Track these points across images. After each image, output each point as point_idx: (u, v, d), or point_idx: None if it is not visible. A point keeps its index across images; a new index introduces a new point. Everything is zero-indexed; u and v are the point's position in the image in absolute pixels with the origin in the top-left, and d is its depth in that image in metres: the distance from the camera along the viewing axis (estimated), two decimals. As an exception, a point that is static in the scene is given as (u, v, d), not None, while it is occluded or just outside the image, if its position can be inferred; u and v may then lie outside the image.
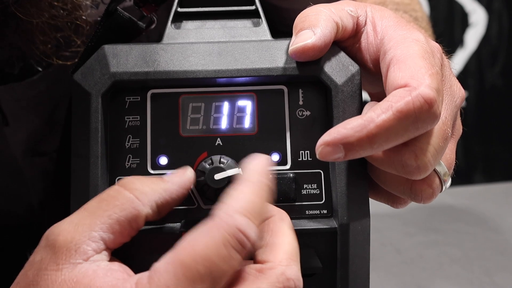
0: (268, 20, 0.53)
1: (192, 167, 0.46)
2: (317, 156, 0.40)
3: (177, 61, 0.46)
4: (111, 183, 0.46)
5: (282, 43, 0.47)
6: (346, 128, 0.39)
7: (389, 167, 0.42)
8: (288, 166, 0.47)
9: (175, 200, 0.42)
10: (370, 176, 0.46)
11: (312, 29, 0.44)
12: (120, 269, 0.39)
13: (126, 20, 0.50)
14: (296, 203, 0.46)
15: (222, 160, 0.45)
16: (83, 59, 0.48)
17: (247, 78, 0.46)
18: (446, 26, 1.83)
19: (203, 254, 0.35)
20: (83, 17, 0.53)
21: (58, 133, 0.60)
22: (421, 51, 0.42)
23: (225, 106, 0.47)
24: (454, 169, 0.46)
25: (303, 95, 0.47)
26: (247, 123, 0.47)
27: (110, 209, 0.39)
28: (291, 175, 0.46)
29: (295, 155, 0.47)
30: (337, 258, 0.45)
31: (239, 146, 0.47)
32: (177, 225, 0.45)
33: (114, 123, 0.47)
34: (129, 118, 0.47)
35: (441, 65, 0.44)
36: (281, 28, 0.60)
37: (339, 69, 0.46)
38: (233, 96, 0.47)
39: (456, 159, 0.47)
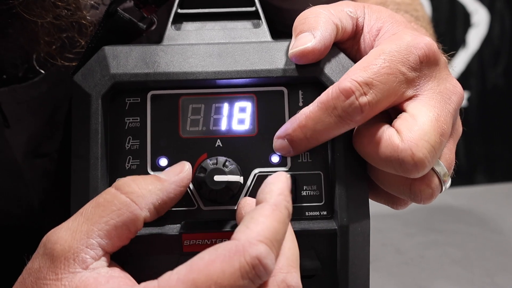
0: (269, 20, 0.53)
1: (192, 168, 0.46)
2: (274, 150, 0.46)
3: (177, 63, 0.46)
4: (111, 184, 0.46)
5: (282, 45, 0.47)
6: (287, 123, 0.45)
7: (387, 166, 0.42)
8: (287, 167, 0.47)
9: (173, 199, 0.42)
10: (369, 177, 0.46)
11: (312, 32, 0.44)
12: (121, 276, 0.38)
13: (127, 21, 0.50)
14: (296, 204, 0.46)
15: (226, 163, 0.45)
16: (83, 61, 0.48)
17: (247, 79, 0.46)
18: (448, 26, 1.83)
19: (219, 281, 0.34)
20: (87, 17, 0.53)
21: (59, 134, 0.60)
22: (388, 48, 0.44)
23: (225, 107, 0.47)
24: (454, 169, 0.46)
25: (303, 96, 0.47)
26: (247, 124, 0.47)
27: (107, 215, 0.39)
28: (291, 176, 0.46)
29: (295, 156, 0.47)
30: (337, 259, 0.45)
31: (239, 147, 0.47)
32: (177, 226, 0.45)
33: (114, 125, 0.47)
34: (129, 119, 0.47)
35: (422, 63, 0.44)
36: (282, 28, 0.60)
37: (339, 70, 0.46)
38: (233, 98, 0.47)
39: (456, 159, 0.46)
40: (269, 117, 0.47)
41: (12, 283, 0.40)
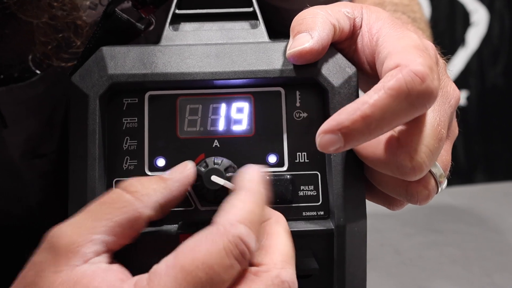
0: (267, 20, 0.53)
1: None
2: (318, 147, 0.40)
3: (175, 63, 0.46)
4: (109, 184, 0.46)
5: (279, 45, 0.47)
6: (341, 114, 0.39)
7: (385, 169, 0.42)
8: (285, 168, 0.47)
9: (177, 198, 0.42)
10: (366, 177, 0.46)
11: (310, 32, 0.45)
12: (119, 270, 0.39)
13: (124, 22, 0.51)
14: (293, 205, 0.46)
15: (216, 161, 0.45)
16: (81, 61, 0.48)
17: (245, 80, 0.46)
18: (448, 26, 1.83)
19: (205, 261, 0.35)
20: (83, 18, 0.54)
21: (57, 134, 0.60)
22: (413, 43, 0.42)
23: (223, 107, 0.47)
24: (450, 170, 0.46)
25: (300, 97, 0.47)
26: (244, 124, 0.47)
27: (111, 212, 0.39)
28: (288, 176, 0.46)
29: (292, 156, 0.47)
30: (334, 259, 0.45)
31: (236, 148, 0.47)
32: (175, 226, 0.45)
33: (112, 125, 0.47)
34: (127, 120, 0.47)
35: (436, 62, 0.44)
36: (280, 28, 0.60)
37: (336, 71, 0.46)
38: (230, 98, 0.47)
39: (455, 159, 0.47)
40: (266, 117, 0.47)
41: (11, 282, 0.40)
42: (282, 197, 0.46)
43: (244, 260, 0.36)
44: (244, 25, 0.51)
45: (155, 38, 0.55)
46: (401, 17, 0.66)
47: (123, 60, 0.46)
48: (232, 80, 0.46)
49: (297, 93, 0.47)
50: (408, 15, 0.69)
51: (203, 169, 0.44)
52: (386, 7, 0.71)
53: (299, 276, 0.40)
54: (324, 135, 0.39)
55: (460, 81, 1.83)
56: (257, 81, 0.47)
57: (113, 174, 0.46)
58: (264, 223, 0.41)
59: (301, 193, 0.47)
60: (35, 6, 0.49)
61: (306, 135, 0.47)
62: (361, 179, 0.46)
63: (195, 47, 0.47)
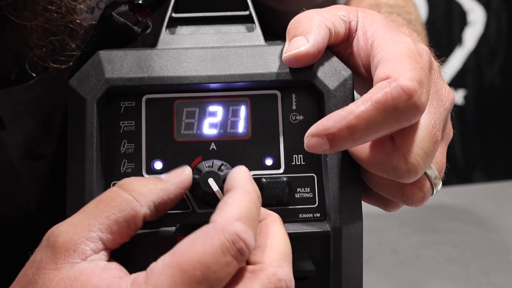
0: (263, 22, 0.53)
1: None
2: (305, 148, 0.41)
3: (172, 67, 0.47)
4: (107, 187, 0.46)
5: (275, 49, 0.48)
6: (328, 120, 0.40)
7: (380, 171, 0.42)
8: (281, 170, 0.47)
9: (172, 200, 0.43)
10: (362, 180, 0.46)
11: (305, 36, 0.45)
12: (117, 268, 0.39)
13: (121, 25, 0.51)
14: (290, 207, 0.47)
15: (222, 167, 0.45)
16: (78, 65, 0.49)
17: (241, 83, 0.47)
18: (445, 25, 1.84)
19: (201, 259, 0.35)
20: (78, 21, 0.54)
21: (55, 136, 0.61)
22: (406, 51, 0.42)
23: (219, 111, 0.47)
24: (445, 172, 0.46)
25: (296, 100, 0.48)
26: (241, 127, 0.47)
27: (108, 210, 0.40)
28: (285, 179, 0.47)
29: (288, 159, 0.47)
30: (330, 261, 0.46)
31: (233, 151, 0.47)
32: (172, 228, 0.46)
33: (109, 128, 0.47)
34: (124, 123, 0.47)
35: (429, 67, 0.44)
36: (276, 30, 0.61)
37: (332, 74, 0.47)
38: (227, 101, 0.48)
39: (450, 160, 0.47)
40: (262, 120, 0.47)
41: (10, 283, 0.40)
42: (278, 199, 0.46)
43: (242, 257, 0.37)
44: (240, 28, 0.52)
45: (152, 40, 0.55)
46: (396, 19, 0.67)
47: (120, 64, 0.47)
48: (228, 83, 0.47)
49: (293, 96, 0.48)
50: (404, 16, 0.69)
51: (197, 176, 0.45)
52: (381, 9, 0.71)
53: (296, 278, 0.40)
54: (311, 138, 0.41)
55: (457, 81, 1.84)
56: (253, 84, 0.47)
57: (111, 177, 0.47)
58: (261, 223, 0.41)
59: (297, 195, 0.47)
60: (30, 9, 0.50)
61: (302, 138, 0.47)
62: (357, 181, 0.46)
63: (191, 51, 0.48)
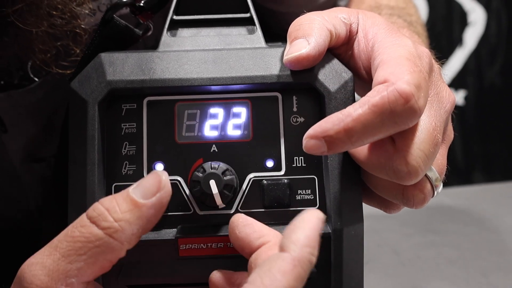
0: (264, 24, 0.53)
1: (188, 173, 0.46)
2: (304, 149, 0.41)
3: (173, 69, 0.47)
4: (108, 189, 0.47)
5: (276, 51, 0.48)
6: (326, 122, 0.40)
7: (381, 173, 0.43)
8: (282, 172, 0.47)
9: (153, 223, 0.40)
10: (363, 181, 0.47)
11: (306, 38, 0.45)
12: None
13: (123, 28, 0.51)
14: (290, 209, 0.47)
15: (213, 165, 0.45)
16: (80, 67, 0.49)
17: (242, 85, 0.47)
18: (445, 25, 1.84)
19: None
20: (82, 26, 0.54)
21: (56, 139, 0.61)
22: (406, 54, 0.42)
23: (220, 113, 0.48)
24: (445, 174, 0.47)
25: (297, 102, 0.48)
26: (242, 129, 0.48)
27: (85, 253, 0.37)
28: (286, 180, 0.47)
29: (289, 161, 0.47)
30: (331, 263, 0.46)
31: (234, 153, 0.47)
32: (173, 231, 0.46)
33: (110, 131, 0.47)
34: (126, 125, 0.47)
35: (429, 70, 0.45)
36: (277, 31, 0.61)
37: (332, 76, 0.47)
38: (228, 103, 0.48)
39: (450, 160, 0.47)
40: (263, 122, 0.48)
41: (9, 286, 0.40)
42: (279, 201, 0.46)
43: None
44: (241, 30, 0.52)
45: (153, 42, 0.55)
46: (397, 21, 0.67)
47: (122, 66, 0.47)
48: (229, 86, 0.47)
49: (294, 98, 0.48)
50: (404, 18, 0.69)
51: (201, 174, 0.45)
52: (382, 10, 0.71)
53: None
54: (310, 139, 0.41)
55: (458, 81, 1.84)
56: (254, 86, 0.47)
57: (112, 179, 0.47)
58: (265, 246, 0.40)
59: (298, 197, 0.47)
60: (34, 15, 0.50)
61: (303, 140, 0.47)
62: (358, 183, 0.46)
63: (192, 53, 0.48)
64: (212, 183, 0.44)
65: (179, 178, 0.47)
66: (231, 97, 0.48)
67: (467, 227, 1.03)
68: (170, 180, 0.46)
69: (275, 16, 0.75)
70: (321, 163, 0.47)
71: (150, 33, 0.54)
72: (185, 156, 0.47)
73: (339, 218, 0.45)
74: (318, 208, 0.47)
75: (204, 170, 0.45)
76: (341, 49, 0.49)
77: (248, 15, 0.52)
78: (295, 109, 0.48)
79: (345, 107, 0.45)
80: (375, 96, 0.39)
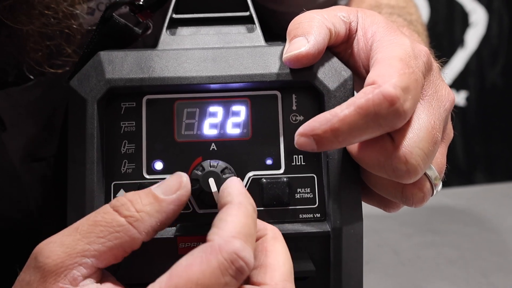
0: (264, 23, 0.53)
1: (187, 172, 0.46)
2: (295, 146, 0.42)
3: (172, 67, 0.47)
4: (107, 188, 0.47)
5: (275, 49, 0.48)
6: (315, 121, 0.41)
7: (380, 171, 0.43)
8: (281, 171, 0.47)
9: (171, 219, 0.41)
10: (362, 180, 0.47)
11: (306, 36, 0.45)
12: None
13: (122, 27, 0.51)
14: (290, 207, 0.47)
15: (212, 163, 0.45)
16: (79, 66, 0.49)
17: (241, 83, 0.47)
18: (446, 26, 1.84)
19: (200, 281, 0.35)
20: (74, 26, 0.54)
21: (56, 138, 0.61)
22: (401, 54, 0.43)
23: (220, 111, 0.48)
24: (445, 173, 0.46)
25: (297, 100, 0.48)
26: (241, 128, 0.48)
27: (104, 236, 0.38)
28: (285, 179, 0.47)
29: (288, 159, 0.47)
30: (330, 262, 0.46)
31: (233, 151, 0.47)
32: (173, 229, 0.46)
33: (110, 129, 0.47)
34: (125, 123, 0.47)
35: (426, 69, 0.45)
36: (277, 31, 0.61)
37: (332, 74, 0.47)
38: (227, 102, 0.48)
39: (452, 161, 0.47)
40: (263, 120, 0.48)
41: (11, 285, 0.40)
42: (278, 199, 0.46)
43: (242, 275, 0.36)
44: (240, 29, 0.52)
45: (152, 41, 0.56)
46: (396, 20, 0.67)
47: (121, 64, 0.47)
48: (229, 84, 0.47)
49: (293, 96, 0.48)
50: (404, 17, 0.69)
51: (200, 172, 0.45)
52: (382, 9, 0.71)
53: (296, 278, 0.40)
54: (300, 136, 0.42)
55: (459, 82, 1.84)
56: (253, 85, 0.47)
57: (112, 178, 0.47)
58: (262, 239, 0.41)
59: (297, 196, 0.47)
60: (26, 13, 0.50)
61: None
62: (357, 182, 0.46)
63: (192, 51, 0.48)
64: (211, 181, 0.44)
65: None
66: (230, 96, 0.48)
67: (468, 227, 1.03)
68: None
69: (275, 16, 0.75)
70: (321, 161, 0.47)
71: (149, 31, 0.54)
72: (184, 155, 0.47)
73: (339, 217, 0.45)
74: (317, 207, 0.47)
75: (203, 169, 0.45)
76: (340, 47, 0.49)
77: (247, 13, 0.52)
78: (294, 108, 0.48)
79: (344, 105, 0.46)
80: (361, 98, 0.40)
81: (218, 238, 0.36)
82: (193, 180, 0.45)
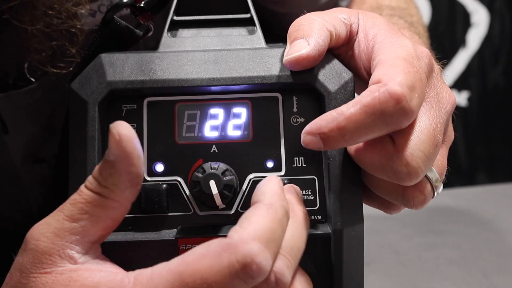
0: (265, 24, 0.53)
1: (188, 174, 0.46)
2: (302, 144, 0.42)
3: (173, 70, 0.47)
4: None
5: (276, 51, 0.48)
6: (322, 119, 0.41)
7: (381, 174, 0.43)
8: (282, 173, 0.47)
9: (136, 174, 0.39)
10: (363, 182, 0.47)
11: (306, 38, 0.45)
12: (110, 265, 0.39)
13: (123, 29, 0.51)
14: None
15: (213, 166, 0.45)
16: (80, 68, 0.49)
17: (242, 86, 0.47)
18: (448, 26, 1.84)
19: (204, 276, 0.34)
20: (78, 26, 0.54)
21: (56, 139, 0.61)
22: (404, 54, 0.43)
23: (220, 113, 0.48)
24: (446, 175, 0.47)
25: (297, 102, 0.48)
26: (242, 130, 0.48)
27: (86, 212, 0.39)
28: (286, 181, 0.47)
29: (289, 161, 0.47)
30: (331, 263, 0.46)
31: (234, 153, 0.47)
32: (173, 231, 0.46)
33: None
34: None
35: (428, 71, 0.45)
36: (278, 32, 0.61)
37: (333, 76, 0.47)
38: (228, 104, 0.48)
39: (454, 162, 0.47)
40: (264, 122, 0.48)
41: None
42: None
43: (253, 281, 0.35)
44: (241, 31, 0.52)
45: (154, 43, 0.56)
46: (397, 22, 0.67)
47: (122, 66, 0.47)
48: (229, 86, 0.47)
49: (294, 98, 0.48)
50: (405, 19, 0.69)
51: (200, 174, 0.45)
52: (383, 11, 0.71)
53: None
54: (307, 135, 0.42)
55: (461, 82, 1.84)
56: (254, 87, 0.47)
57: None
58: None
59: None
60: (30, 13, 0.50)
61: None
62: (358, 184, 0.46)
63: (193, 54, 0.48)
64: (212, 183, 0.44)
65: (179, 179, 0.47)
66: (231, 98, 0.48)
67: (469, 228, 1.03)
68: (170, 180, 0.46)
69: (277, 17, 0.75)
70: (321, 163, 0.47)
71: (150, 34, 0.54)
72: (185, 157, 0.47)
73: (339, 219, 0.45)
74: (318, 208, 0.47)
75: (204, 171, 0.45)
76: (341, 49, 0.49)
77: (248, 15, 0.52)
78: (295, 110, 0.48)
79: (345, 108, 0.45)
80: (367, 97, 0.40)
81: (237, 237, 0.35)
82: (194, 182, 0.45)
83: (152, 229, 0.46)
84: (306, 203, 0.47)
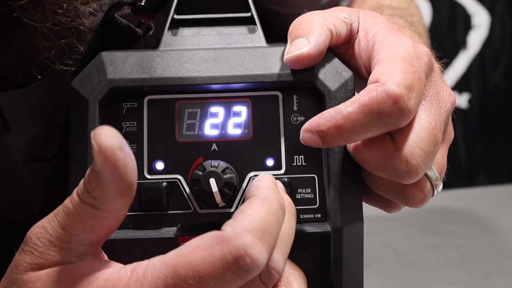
0: (266, 24, 0.53)
1: (188, 172, 0.47)
2: (301, 141, 0.43)
3: (173, 68, 0.47)
4: None
5: (276, 50, 0.48)
6: (320, 117, 0.42)
7: (381, 172, 0.43)
8: (282, 171, 0.47)
9: (125, 179, 0.35)
10: (363, 180, 0.47)
11: (307, 37, 0.45)
12: (109, 261, 0.39)
13: (124, 27, 0.51)
14: None
15: (213, 164, 0.45)
16: (81, 66, 0.49)
17: (242, 84, 0.47)
18: (449, 28, 1.84)
19: (197, 269, 0.34)
20: (86, 24, 0.54)
21: (58, 138, 0.61)
22: (403, 53, 0.43)
23: (221, 111, 0.48)
24: (446, 173, 0.47)
25: (298, 101, 0.48)
26: (242, 128, 0.48)
27: (80, 222, 0.37)
28: (286, 179, 0.47)
29: (289, 160, 0.47)
30: (331, 262, 0.46)
31: (234, 151, 0.47)
32: (173, 229, 0.46)
33: None
34: (126, 124, 0.47)
35: (428, 69, 0.45)
36: (279, 31, 0.61)
37: (333, 75, 0.47)
38: (228, 102, 0.48)
39: (454, 162, 0.47)
40: (264, 121, 0.48)
41: None
42: None
43: (247, 275, 0.34)
44: (242, 30, 0.52)
45: (154, 42, 0.56)
46: (398, 21, 0.67)
47: (123, 65, 0.47)
48: (230, 85, 0.47)
49: (294, 97, 0.48)
50: (406, 19, 0.69)
51: (201, 172, 0.45)
52: (384, 11, 0.71)
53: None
54: (305, 132, 0.42)
55: (462, 84, 1.84)
56: (254, 85, 0.47)
57: None
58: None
59: (298, 196, 0.47)
60: (39, 12, 0.50)
61: None
62: (358, 182, 0.46)
63: (193, 52, 0.48)
64: (212, 181, 0.44)
65: (179, 177, 0.47)
66: (231, 96, 0.48)
67: (469, 228, 1.03)
68: (171, 178, 0.47)
69: (278, 17, 0.75)
70: (321, 162, 0.47)
71: (151, 32, 0.54)
72: (185, 155, 0.47)
73: (339, 217, 0.45)
74: (317, 207, 0.47)
75: (204, 169, 0.45)
76: (341, 48, 0.49)
77: (249, 14, 0.52)
78: (295, 108, 0.48)
79: (345, 106, 0.46)
80: (365, 96, 0.40)
81: (230, 229, 0.35)
82: (194, 180, 0.45)
83: (152, 227, 0.46)
84: (305, 201, 0.47)
